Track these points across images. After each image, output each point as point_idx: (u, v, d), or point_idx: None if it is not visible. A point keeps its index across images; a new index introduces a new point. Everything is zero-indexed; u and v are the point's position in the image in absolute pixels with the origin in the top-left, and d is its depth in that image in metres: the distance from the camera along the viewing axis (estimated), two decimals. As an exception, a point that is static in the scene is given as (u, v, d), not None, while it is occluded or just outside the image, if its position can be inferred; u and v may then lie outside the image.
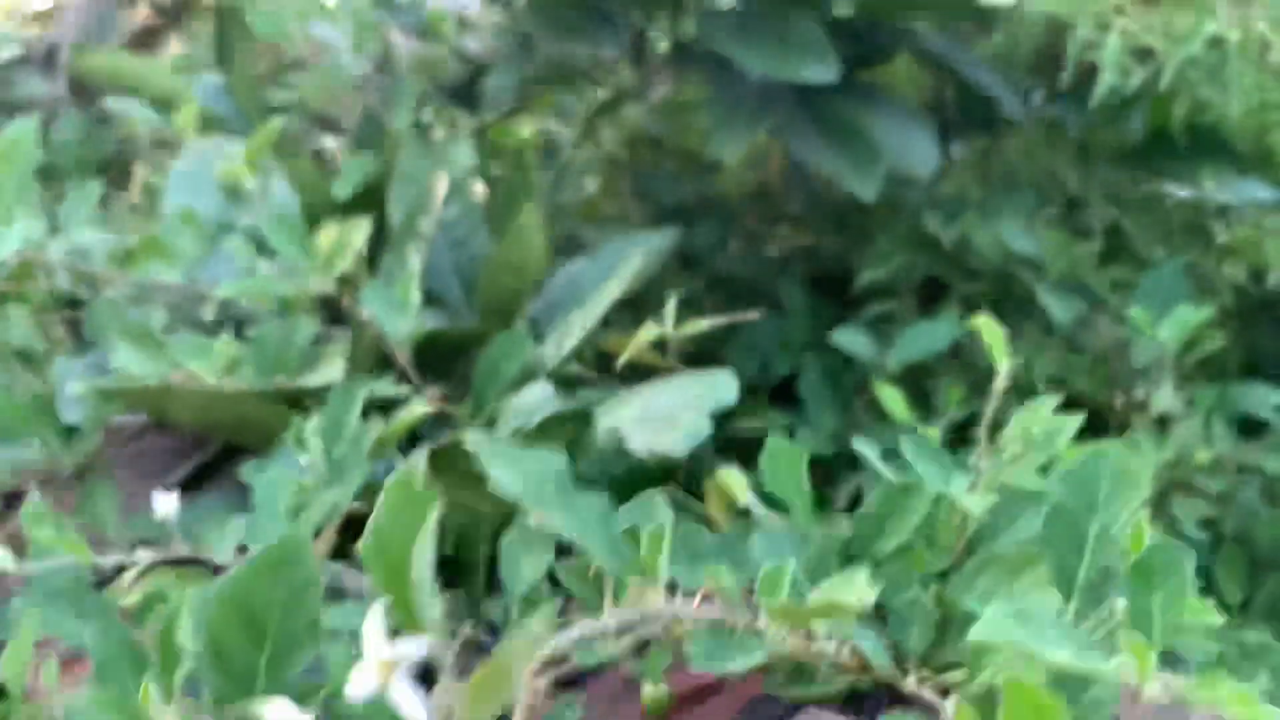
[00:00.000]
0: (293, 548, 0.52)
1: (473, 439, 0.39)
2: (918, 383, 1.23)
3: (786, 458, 0.56)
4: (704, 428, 0.67)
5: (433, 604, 0.25)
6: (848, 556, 0.63)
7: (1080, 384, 1.19)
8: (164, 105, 1.44)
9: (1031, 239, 1.17)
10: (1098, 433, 1.22)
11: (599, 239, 1.51)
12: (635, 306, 1.42)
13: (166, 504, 0.64)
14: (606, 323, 1.42)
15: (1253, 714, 0.39)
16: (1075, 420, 0.62)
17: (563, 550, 0.61)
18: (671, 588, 0.42)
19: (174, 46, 2.56)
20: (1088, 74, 1.13)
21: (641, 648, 0.52)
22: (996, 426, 0.62)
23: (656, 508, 0.60)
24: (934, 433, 0.79)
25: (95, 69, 1.41)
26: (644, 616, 0.36)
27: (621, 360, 0.78)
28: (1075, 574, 0.51)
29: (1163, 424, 1.10)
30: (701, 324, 0.80)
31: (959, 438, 1.23)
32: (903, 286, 1.23)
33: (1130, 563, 0.45)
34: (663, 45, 1.27)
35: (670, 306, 0.76)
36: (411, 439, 0.93)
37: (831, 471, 1.22)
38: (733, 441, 1.27)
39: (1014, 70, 1.24)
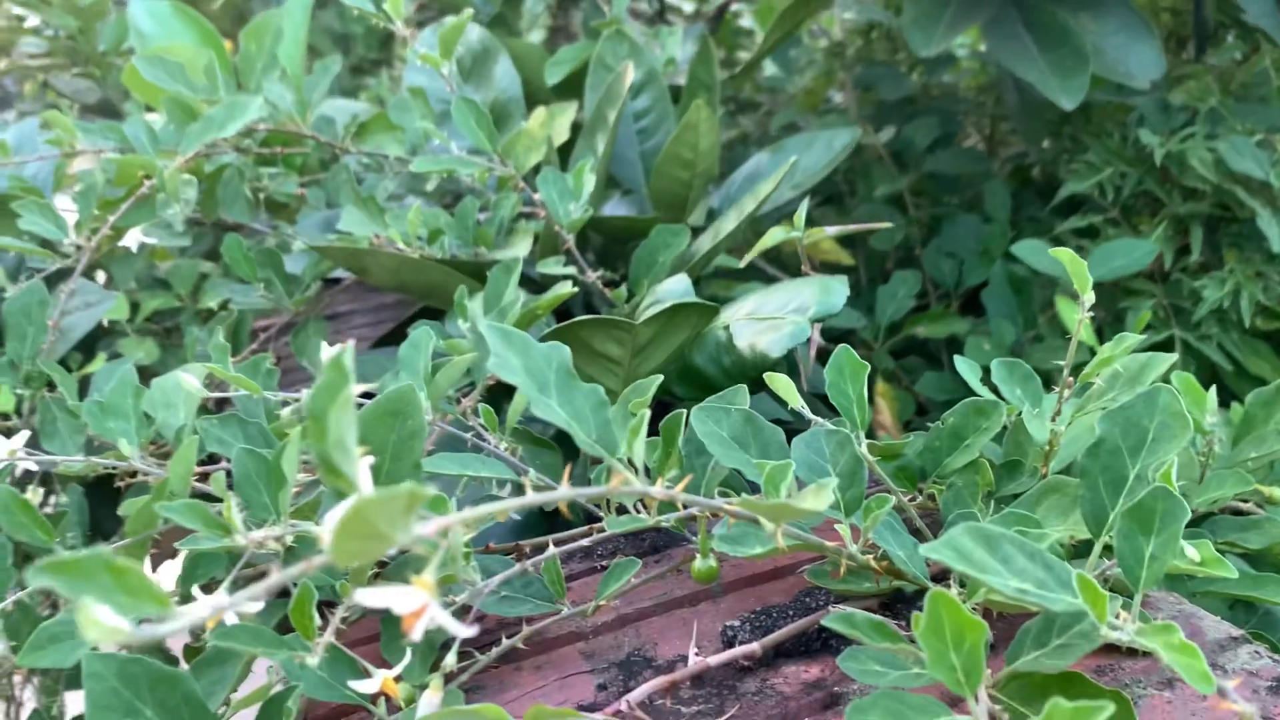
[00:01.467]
0: (405, 400, 0.60)
1: (485, 325, 0.45)
2: (1112, 301, 1.18)
3: (850, 367, 0.58)
4: (804, 331, 0.70)
5: (349, 460, 0.31)
6: (919, 469, 0.65)
7: (1295, 318, 1.11)
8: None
9: (1259, 159, 1.08)
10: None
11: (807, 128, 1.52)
12: (832, 200, 1.42)
13: (330, 355, 0.75)
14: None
15: (1190, 664, 0.40)
16: (1167, 359, 0.61)
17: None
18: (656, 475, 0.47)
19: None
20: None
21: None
22: (1080, 365, 0.61)
23: (739, 397, 0.65)
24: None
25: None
26: (603, 492, 0.41)
27: (745, 260, 0.81)
28: (1106, 512, 0.51)
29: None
30: (827, 231, 0.81)
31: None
32: (1109, 200, 1.17)
33: (1130, 506, 0.46)
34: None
35: (802, 211, 0.78)
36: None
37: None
38: (914, 344, 1.28)
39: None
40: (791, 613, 0.60)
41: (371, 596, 0.33)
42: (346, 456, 0.31)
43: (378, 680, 0.50)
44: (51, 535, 0.62)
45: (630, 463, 0.45)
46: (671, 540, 0.72)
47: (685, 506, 0.45)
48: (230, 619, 0.49)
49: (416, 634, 0.33)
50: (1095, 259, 1.10)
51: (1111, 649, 0.55)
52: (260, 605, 0.50)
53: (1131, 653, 0.54)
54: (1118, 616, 0.44)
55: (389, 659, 0.59)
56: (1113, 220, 1.18)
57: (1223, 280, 1.10)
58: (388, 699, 0.57)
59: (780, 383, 0.55)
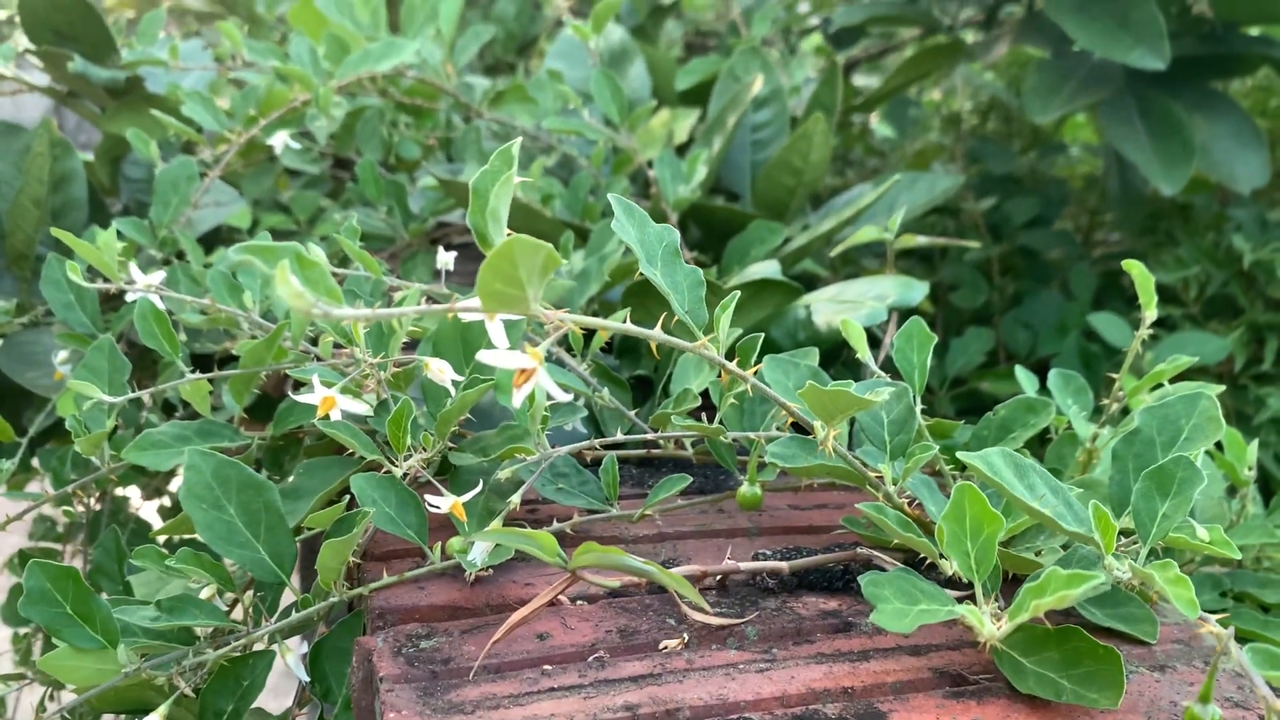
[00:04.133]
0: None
1: (611, 196, 0.51)
2: (1175, 394, 1.21)
3: (919, 338, 0.63)
4: (881, 314, 0.75)
5: (499, 229, 0.37)
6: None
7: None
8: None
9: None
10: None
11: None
12: (922, 256, 1.47)
13: (445, 259, 0.82)
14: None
15: (1180, 593, 0.44)
16: (1217, 388, 0.65)
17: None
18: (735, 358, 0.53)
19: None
20: None
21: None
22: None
23: (810, 357, 0.70)
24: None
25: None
26: (688, 346, 0.46)
27: (835, 252, 0.87)
28: (1130, 495, 0.55)
29: None
30: (919, 239, 0.86)
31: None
32: (1191, 297, 1.21)
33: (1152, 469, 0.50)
34: (1016, 11, 1.30)
35: (898, 216, 0.83)
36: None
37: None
38: (977, 403, 1.31)
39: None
40: (819, 552, 0.65)
41: (491, 356, 0.39)
42: (498, 227, 0.37)
43: (448, 501, 0.55)
44: (177, 349, 0.68)
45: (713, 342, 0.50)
46: (718, 486, 0.77)
47: (751, 394, 0.50)
48: (336, 415, 0.55)
49: (520, 396, 0.39)
50: (1167, 346, 1.13)
51: (1113, 634, 0.58)
52: (367, 410, 0.57)
53: (1131, 640, 0.58)
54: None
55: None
56: (1191, 316, 1.22)
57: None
58: (443, 549, 0.62)
59: (853, 330, 0.60)
